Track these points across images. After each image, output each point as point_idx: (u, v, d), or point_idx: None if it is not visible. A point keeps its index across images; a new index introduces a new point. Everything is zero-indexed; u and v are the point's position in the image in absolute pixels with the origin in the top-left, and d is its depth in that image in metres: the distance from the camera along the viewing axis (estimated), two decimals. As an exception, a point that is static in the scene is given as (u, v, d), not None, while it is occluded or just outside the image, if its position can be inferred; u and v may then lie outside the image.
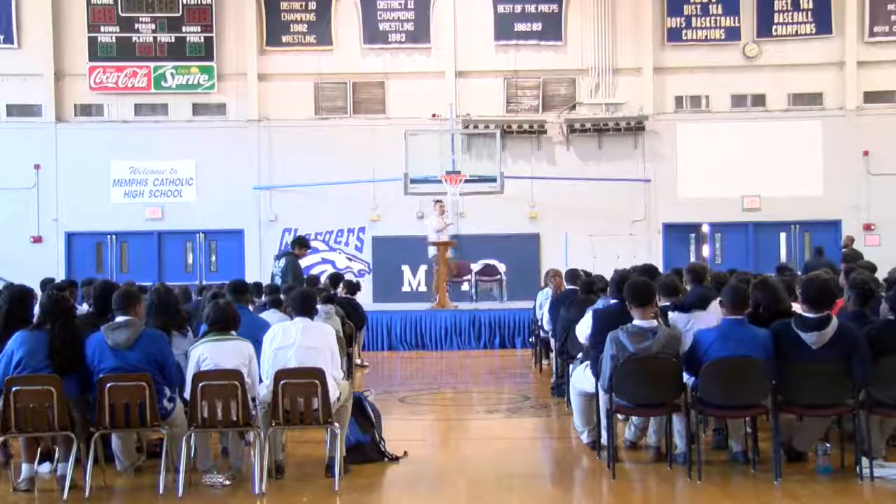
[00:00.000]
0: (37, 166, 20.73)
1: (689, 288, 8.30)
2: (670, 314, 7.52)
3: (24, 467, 6.57)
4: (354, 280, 15.27)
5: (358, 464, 7.08)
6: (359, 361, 13.28)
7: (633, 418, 7.47)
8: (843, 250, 17.91)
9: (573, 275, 11.12)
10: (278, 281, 12.99)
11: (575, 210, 20.65)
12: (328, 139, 20.83)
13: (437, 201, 17.25)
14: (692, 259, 20.82)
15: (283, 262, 13.74)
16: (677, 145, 20.98)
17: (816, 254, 17.82)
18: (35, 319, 6.82)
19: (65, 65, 21.03)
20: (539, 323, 12.58)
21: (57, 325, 6.48)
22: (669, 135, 20.97)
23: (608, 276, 11.08)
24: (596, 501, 6.65)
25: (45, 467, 6.86)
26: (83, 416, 6.43)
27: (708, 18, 21.02)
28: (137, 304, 6.76)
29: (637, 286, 6.79)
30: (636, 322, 6.68)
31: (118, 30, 20.87)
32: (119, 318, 6.58)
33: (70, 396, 6.39)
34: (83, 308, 8.83)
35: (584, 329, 7.73)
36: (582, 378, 7.56)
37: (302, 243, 14.25)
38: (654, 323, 6.72)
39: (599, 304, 8.34)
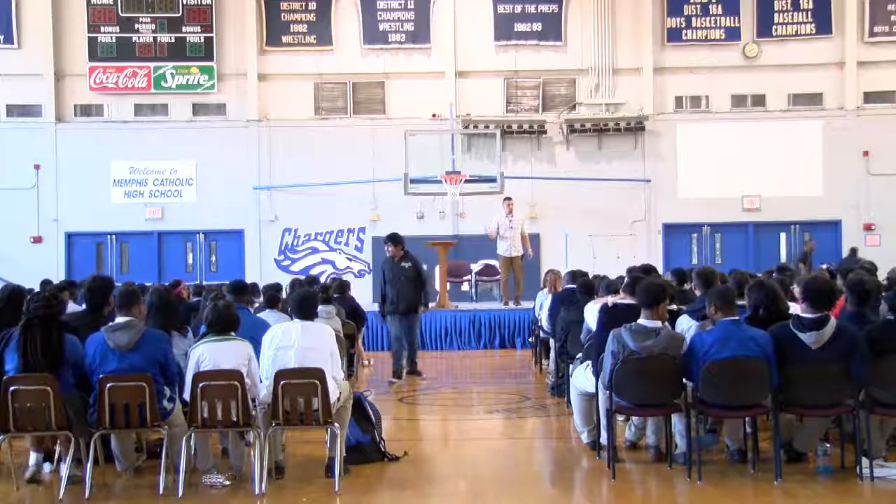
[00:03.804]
0: (37, 166, 20.74)
1: (698, 294, 8.24)
2: (683, 319, 7.47)
3: (32, 456, 6.60)
4: (342, 279, 14.76)
5: (358, 464, 7.08)
6: (365, 363, 13.19)
7: (634, 418, 7.47)
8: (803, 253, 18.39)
9: (575, 275, 11.07)
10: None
11: (575, 210, 20.65)
12: (328, 139, 20.84)
13: (507, 199, 16.66)
14: (694, 260, 20.85)
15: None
16: (677, 145, 20.99)
17: (851, 254, 17.90)
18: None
19: (65, 65, 21.03)
20: (539, 323, 12.57)
21: (34, 330, 6.37)
22: (669, 135, 20.98)
23: (608, 276, 11.18)
24: (596, 501, 6.64)
25: (45, 467, 6.87)
26: (78, 415, 6.41)
27: (708, 18, 21.03)
28: (138, 303, 6.74)
29: (651, 287, 6.79)
30: (641, 321, 6.69)
31: (118, 30, 20.88)
32: (120, 319, 6.56)
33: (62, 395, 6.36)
34: (83, 307, 8.81)
35: (592, 315, 7.69)
36: (582, 378, 7.56)
37: (388, 239, 12.69)
38: (659, 324, 6.72)
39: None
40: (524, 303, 16.22)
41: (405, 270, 12.24)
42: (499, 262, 16.81)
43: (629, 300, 7.50)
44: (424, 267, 12.87)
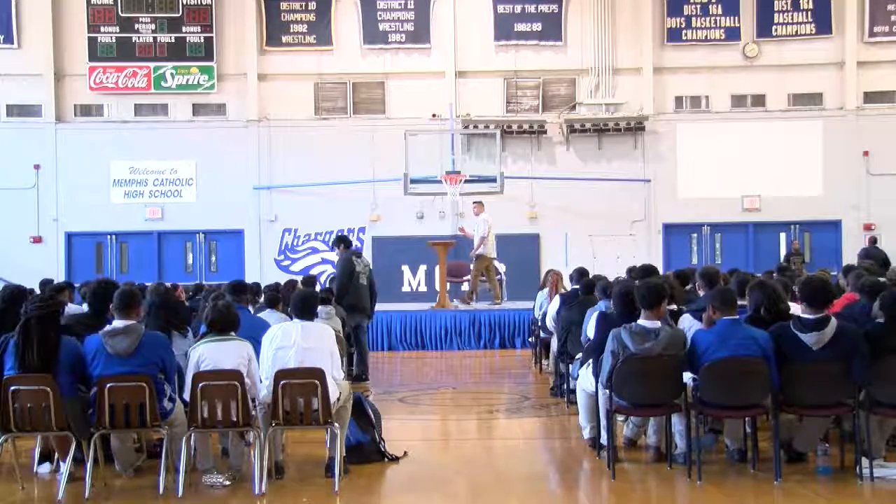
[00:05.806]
0: (37, 166, 20.74)
1: (701, 293, 8.23)
2: (685, 319, 7.47)
3: (61, 465, 6.63)
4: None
5: (358, 464, 7.08)
6: None
7: (632, 417, 7.46)
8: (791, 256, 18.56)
9: (582, 273, 11.02)
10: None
11: (575, 210, 20.66)
12: (328, 139, 20.84)
13: (474, 202, 16.96)
14: (694, 260, 20.86)
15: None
16: (677, 145, 20.99)
17: (871, 242, 18.01)
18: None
19: (65, 65, 21.04)
20: (539, 323, 12.54)
21: (31, 330, 6.33)
22: (669, 135, 20.98)
23: (608, 276, 11.17)
24: (596, 501, 6.64)
25: (45, 467, 6.87)
26: (76, 415, 6.39)
27: (708, 18, 21.03)
28: (137, 305, 6.69)
29: (650, 289, 6.78)
30: (640, 322, 6.69)
31: (118, 30, 20.89)
32: (118, 323, 6.49)
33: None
34: (83, 308, 8.81)
35: (590, 328, 7.76)
36: (588, 378, 7.55)
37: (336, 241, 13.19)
38: (658, 324, 6.71)
39: (601, 305, 8.32)
40: (519, 303, 16.31)
41: None
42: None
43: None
44: (373, 269, 13.17)
